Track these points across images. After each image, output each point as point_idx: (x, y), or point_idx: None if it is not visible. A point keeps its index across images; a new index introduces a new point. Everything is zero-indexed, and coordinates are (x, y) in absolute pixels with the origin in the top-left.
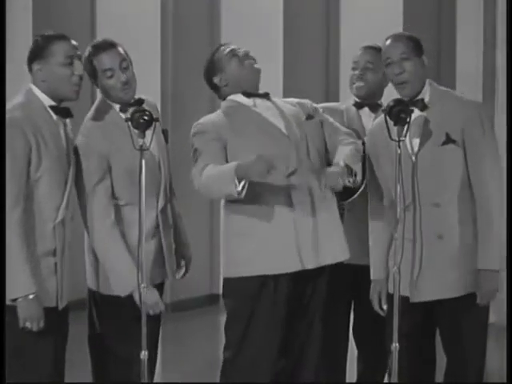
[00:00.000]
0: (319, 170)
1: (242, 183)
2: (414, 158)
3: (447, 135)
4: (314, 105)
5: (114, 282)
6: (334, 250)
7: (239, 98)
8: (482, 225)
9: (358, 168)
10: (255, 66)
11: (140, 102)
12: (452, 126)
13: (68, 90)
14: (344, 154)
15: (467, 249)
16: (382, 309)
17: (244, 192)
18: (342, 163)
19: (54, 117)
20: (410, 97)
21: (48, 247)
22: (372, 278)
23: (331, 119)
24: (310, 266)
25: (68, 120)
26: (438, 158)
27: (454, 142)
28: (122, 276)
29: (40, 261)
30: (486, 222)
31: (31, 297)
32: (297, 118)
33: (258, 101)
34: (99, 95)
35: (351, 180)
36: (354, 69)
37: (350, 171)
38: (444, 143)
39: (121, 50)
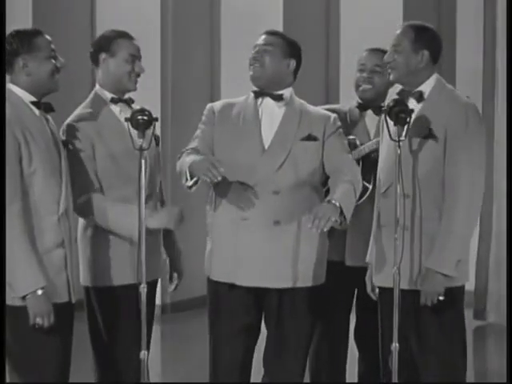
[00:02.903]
0: (293, 192)
1: (195, 179)
2: (398, 148)
3: (430, 130)
4: (338, 123)
5: (111, 271)
6: (276, 274)
7: (251, 95)
8: (444, 225)
9: (349, 210)
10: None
11: (131, 101)
12: (436, 122)
13: (53, 82)
14: (340, 192)
15: (429, 245)
16: (374, 293)
17: (194, 187)
18: (337, 203)
19: (37, 112)
20: (398, 83)
21: (56, 240)
22: (367, 260)
23: (342, 145)
24: (242, 283)
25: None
26: (415, 150)
27: (434, 137)
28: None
29: (49, 254)
30: (448, 223)
31: (40, 292)
32: (291, 136)
33: (269, 101)
34: (96, 86)
35: (339, 220)
36: (360, 71)
37: (341, 212)
38: (425, 137)
39: None
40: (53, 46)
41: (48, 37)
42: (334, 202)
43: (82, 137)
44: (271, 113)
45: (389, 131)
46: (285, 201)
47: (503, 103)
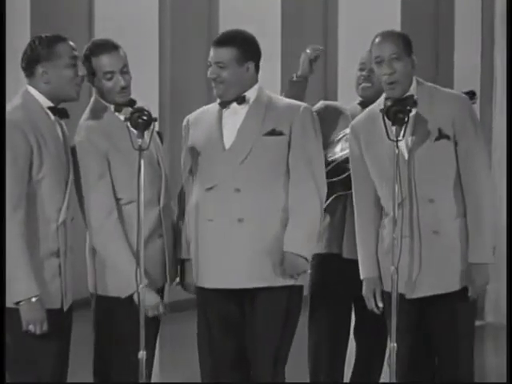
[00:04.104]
0: (256, 189)
1: None
2: (406, 155)
3: (440, 130)
4: (309, 114)
5: (115, 282)
6: (240, 274)
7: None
8: (473, 218)
9: (310, 246)
10: None
11: (133, 102)
12: (443, 121)
13: (72, 90)
14: (299, 234)
15: (463, 243)
16: (377, 307)
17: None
18: (299, 256)
19: (52, 117)
20: (399, 96)
21: (51, 248)
22: (363, 276)
23: (310, 144)
24: (209, 285)
25: (63, 121)
26: (431, 153)
27: (446, 137)
28: (124, 277)
29: (44, 262)
30: (476, 216)
31: (34, 300)
32: (253, 132)
33: (233, 105)
34: (94, 95)
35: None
36: (361, 70)
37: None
38: (437, 139)
39: (122, 53)
40: (75, 53)
41: (71, 43)
42: (296, 254)
43: (96, 151)
44: (234, 114)
45: (387, 131)
46: (247, 198)
47: (502, 102)
